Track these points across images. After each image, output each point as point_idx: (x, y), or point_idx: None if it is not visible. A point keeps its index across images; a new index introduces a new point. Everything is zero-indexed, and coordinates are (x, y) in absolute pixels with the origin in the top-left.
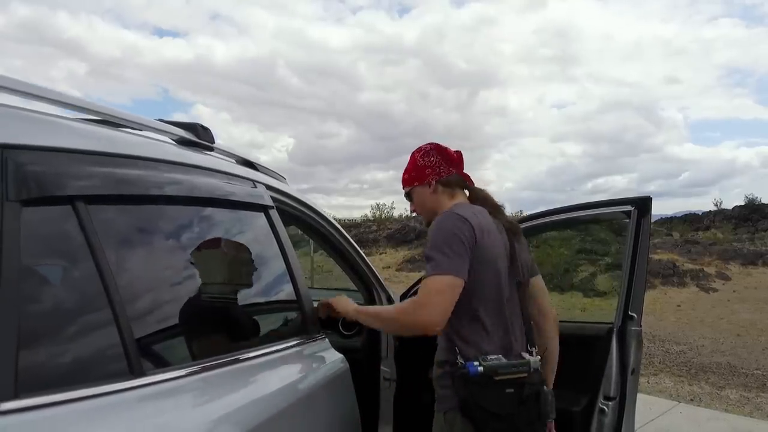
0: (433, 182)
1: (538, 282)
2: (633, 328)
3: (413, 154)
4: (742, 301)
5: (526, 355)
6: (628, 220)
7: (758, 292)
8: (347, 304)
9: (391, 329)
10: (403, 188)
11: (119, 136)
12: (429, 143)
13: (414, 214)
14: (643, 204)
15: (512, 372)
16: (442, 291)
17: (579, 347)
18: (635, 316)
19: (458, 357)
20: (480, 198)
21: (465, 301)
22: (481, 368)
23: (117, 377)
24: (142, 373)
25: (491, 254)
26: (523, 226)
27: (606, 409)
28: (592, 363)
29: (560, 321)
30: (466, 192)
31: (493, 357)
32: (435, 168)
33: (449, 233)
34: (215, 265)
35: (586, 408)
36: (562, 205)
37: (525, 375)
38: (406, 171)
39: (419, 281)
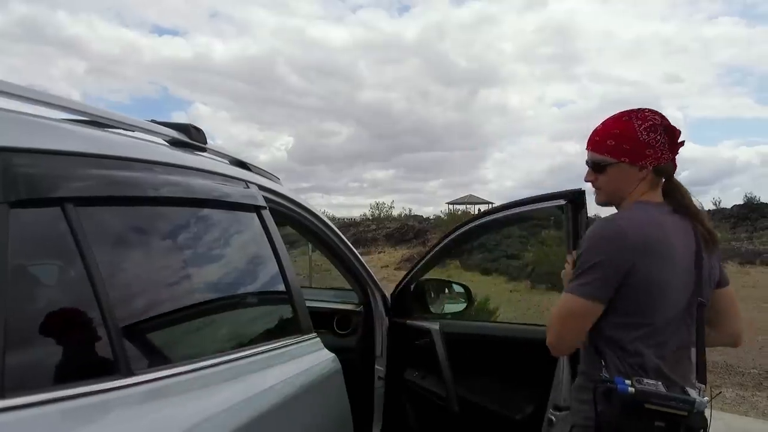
0: (649, 168)
1: (724, 296)
2: None
3: (631, 120)
4: (739, 300)
5: (693, 393)
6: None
7: (756, 291)
8: (568, 281)
9: None
10: (597, 153)
11: (110, 137)
12: (655, 113)
13: (590, 185)
14: (577, 197)
15: (669, 406)
16: (567, 316)
17: (529, 352)
18: None
19: (603, 371)
20: (675, 195)
21: (624, 322)
22: (631, 389)
23: (105, 376)
24: (130, 373)
25: (657, 277)
26: (471, 225)
27: (554, 419)
28: (543, 370)
29: (512, 323)
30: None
31: (650, 381)
32: (658, 151)
33: (601, 248)
34: (206, 265)
35: (531, 416)
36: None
37: (684, 414)
38: (613, 136)
39: (407, 275)
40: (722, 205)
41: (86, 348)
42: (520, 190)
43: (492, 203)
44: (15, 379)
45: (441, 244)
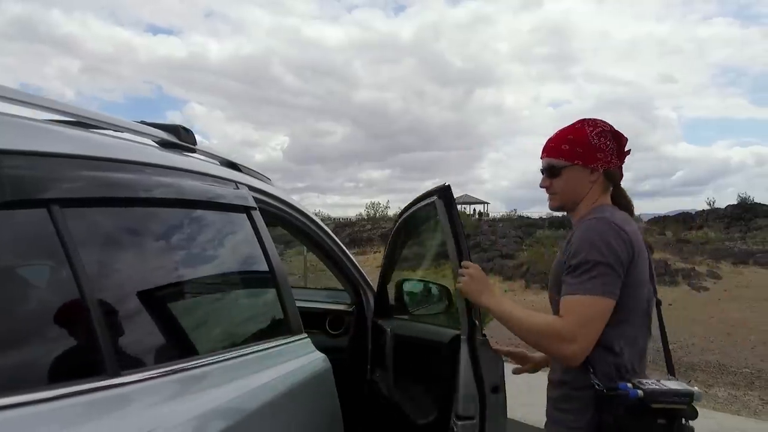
0: (600, 170)
1: None
2: (479, 337)
3: (583, 127)
4: (732, 300)
5: (687, 385)
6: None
7: (748, 291)
8: (479, 292)
9: (524, 339)
10: (552, 158)
11: (98, 138)
12: (605, 122)
13: (546, 190)
14: (445, 192)
15: (673, 402)
16: (595, 319)
17: (433, 355)
18: (478, 323)
19: (592, 377)
20: (621, 202)
21: (616, 319)
22: (640, 392)
23: (93, 377)
24: (117, 373)
25: (642, 275)
26: (393, 231)
27: (455, 429)
28: (449, 375)
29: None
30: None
31: (648, 381)
32: (608, 155)
33: (607, 246)
34: (196, 266)
35: (435, 423)
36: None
37: (684, 407)
38: (567, 141)
39: (385, 265)
40: (716, 205)
41: (74, 348)
42: (515, 189)
43: (487, 203)
44: (1, 379)
45: (386, 252)
